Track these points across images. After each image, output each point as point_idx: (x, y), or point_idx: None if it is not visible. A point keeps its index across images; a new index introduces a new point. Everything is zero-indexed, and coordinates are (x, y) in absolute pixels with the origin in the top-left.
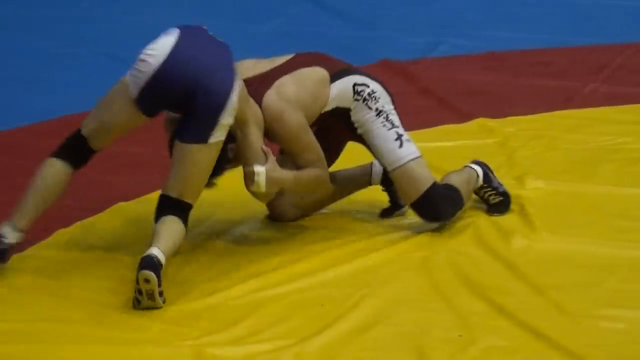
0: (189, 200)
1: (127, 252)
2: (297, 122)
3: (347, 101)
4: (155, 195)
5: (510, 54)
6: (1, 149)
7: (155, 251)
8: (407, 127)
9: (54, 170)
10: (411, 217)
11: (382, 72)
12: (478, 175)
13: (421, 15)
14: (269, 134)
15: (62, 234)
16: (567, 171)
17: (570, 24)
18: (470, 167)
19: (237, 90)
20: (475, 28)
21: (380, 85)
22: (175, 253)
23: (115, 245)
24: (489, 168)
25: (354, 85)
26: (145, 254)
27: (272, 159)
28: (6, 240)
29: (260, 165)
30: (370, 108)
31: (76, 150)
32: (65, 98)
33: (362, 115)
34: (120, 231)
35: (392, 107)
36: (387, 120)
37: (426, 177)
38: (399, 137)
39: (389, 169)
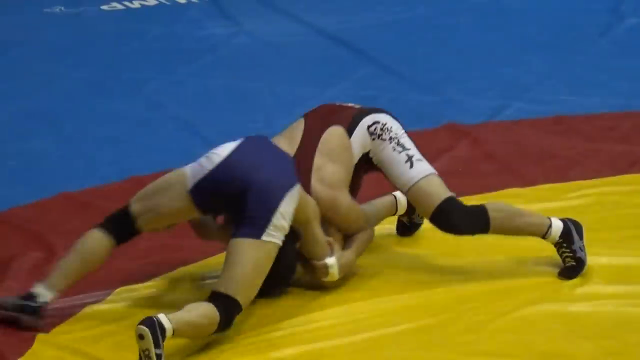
0: (237, 298)
1: None
2: (347, 204)
3: (367, 146)
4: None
5: (575, 118)
6: (74, 208)
7: (161, 316)
8: (470, 190)
9: (97, 242)
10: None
11: (447, 135)
12: (550, 227)
13: (487, 78)
14: (323, 220)
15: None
16: (632, 236)
17: (634, 88)
18: (549, 219)
19: (293, 195)
20: (541, 92)
21: (388, 114)
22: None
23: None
24: (577, 230)
25: (367, 128)
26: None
27: (337, 248)
28: (40, 299)
29: (330, 257)
30: (384, 139)
31: (122, 227)
32: (135, 160)
33: (377, 148)
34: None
35: (402, 131)
36: (398, 144)
37: (438, 192)
38: (409, 158)
39: (404, 190)
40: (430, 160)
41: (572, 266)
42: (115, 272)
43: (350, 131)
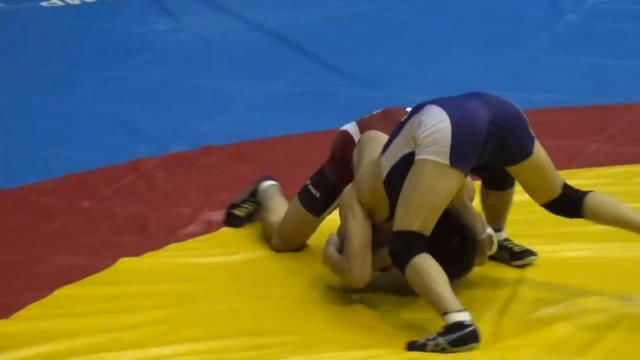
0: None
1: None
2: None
3: None
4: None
5: None
6: (11, 205)
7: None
8: None
9: (429, 260)
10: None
11: None
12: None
13: (427, 74)
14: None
15: (64, 291)
16: (570, 232)
17: (574, 83)
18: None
19: None
20: (481, 87)
21: None
22: None
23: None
24: None
25: None
26: None
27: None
28: (468, 321)
29: (488, 228)
30: None
31: (423, 245)
32: (75, 156)
33: None
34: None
35: None
36: None
37: None
38: None
39: None
40: None
41: (525, 250)
42: (54, 268)
43: None
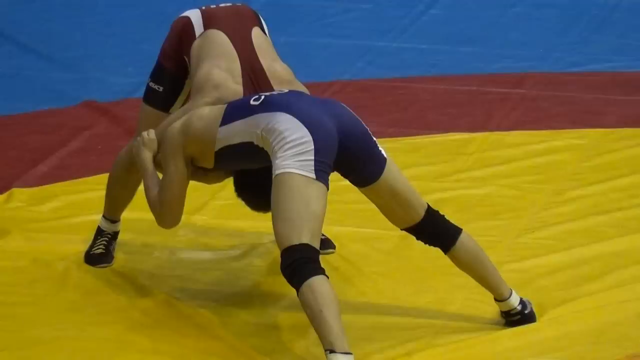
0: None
1: None
2: None
3: None
4: None
5: None
6: None
7: None
8: (109, 168)
9: (328, 284)
10: None
11: (86, 113)
12: None
13: (126, 55)
14: None
15: None
16: None
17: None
18: None
19: None
20: None
21: None
22: None
23: None
24: None
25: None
26: None
27: None
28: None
29: None
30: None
31: (318, 260)
32: None
33: None
34: None
35: None
36: None
37: None
38: None
39: None
40: (69, 138)
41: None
42: None
43: (262, 29)
